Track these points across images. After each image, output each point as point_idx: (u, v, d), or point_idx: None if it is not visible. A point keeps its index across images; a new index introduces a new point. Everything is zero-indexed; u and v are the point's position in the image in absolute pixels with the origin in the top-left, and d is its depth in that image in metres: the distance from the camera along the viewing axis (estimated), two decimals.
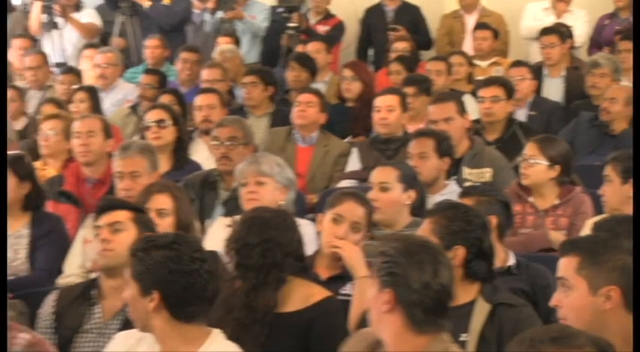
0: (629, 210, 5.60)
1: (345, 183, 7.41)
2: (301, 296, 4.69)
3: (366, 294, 3.78)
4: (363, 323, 4.34)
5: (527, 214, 6.45)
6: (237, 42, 10.98)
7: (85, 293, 4.76)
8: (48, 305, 4.81)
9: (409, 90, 8.49)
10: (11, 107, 9.04)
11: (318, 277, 5.03)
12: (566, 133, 8.18)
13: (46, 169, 7.45)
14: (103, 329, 4.66)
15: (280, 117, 8.70)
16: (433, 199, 6.28)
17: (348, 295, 4.94)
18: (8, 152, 6.51)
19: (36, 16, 11.40)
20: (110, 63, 10.08)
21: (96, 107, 8.90)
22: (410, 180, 6.00)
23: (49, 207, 6.49)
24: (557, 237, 6.15)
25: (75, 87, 9.40)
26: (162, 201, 5.50)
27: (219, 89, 8.88)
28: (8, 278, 5.65)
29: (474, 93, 8.65)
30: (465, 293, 4.44)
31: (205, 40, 11.43)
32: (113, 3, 11.68)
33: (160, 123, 7.50)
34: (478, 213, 4.67)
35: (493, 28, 10.97)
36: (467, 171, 7.19)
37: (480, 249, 4.49)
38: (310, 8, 11.81)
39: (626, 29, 10.42)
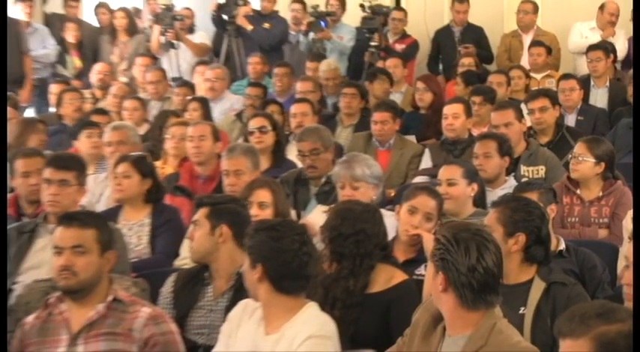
0: None
1: (418, 179, 7.39)
2: (384, 279, 4.67)
3: None
4: None
5: (575, 205, 6.43)
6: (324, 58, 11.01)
7: (199, 276, 4.78)
8: (168, 285, 4.84)
9: (476, 99, 8.46)
10: (135, 115, 9.13)
11: (397, 260, 5.01)
12: (610, 136, 8.10)
13: (165, 167, 7.51)
14: (213, 306, 4.68)
15: (362, 128, 8.66)
16: (495, 193, 6.28)
17: (422, 275, 4.91)
18: (133, 153, 6.58)
19: (156, 38, 11.49)
20: (218, 77, 10.12)
21: (207, 115, 8.94)
22: (472, 175, 6.03)
23: (167, 199, 6.53)
24: (603, 233, 6.24)
25: (189, 98, 9.45)
26: (262, 195, 5.53)
27: (311, 99, 8.91)
28: (132, 260, 5.73)
29: None
30: (525, 273, 4.45)
31: (300, 57, 11.47)
32: (221, 26, 11.76)
33: (261, 129, 7.54)
34: (537, 205, 4.67)
35: (547, 46, 10.86)
36: (524, 169, 7.16)
37: (538, 236, 4.47)
38: (389, 29, 11.77)
39: None
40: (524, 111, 7.92)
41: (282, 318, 4.03)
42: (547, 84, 10.21)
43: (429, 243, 5.01)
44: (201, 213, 4.79)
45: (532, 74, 10.47)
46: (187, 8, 12.10)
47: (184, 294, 4.74)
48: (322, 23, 11.40)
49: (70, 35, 11.80)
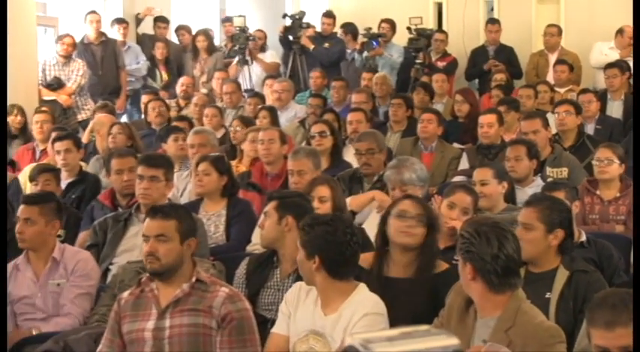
0: None
1: (457, 179, 7.35)
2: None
3: None
4: None
5: (595, 204, 6.38)
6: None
7: (268, 260, 4.78)
8: (241, 268, 4.84)
9: (502, 108, 8.43)
10: (213, 121, 9.15)
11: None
12: (624, 143, 8.00)
13: (239, 166, 7.53)
14: (280, 286, 4.67)
15: (409, 134, 8.65)
16: (524, 191, 6.25)
17: (457, 260, 4.87)
18: (212, 154, 6.60)
19: (233, 67, 11.63)
20: (285, 89, 10.12)
21: (275, 122, 8.94)
22: (502, 175, 5.99)
23: (241, 194, 6.53)
24: (620, 228, 6.18)
25: (259, 107, 9.46)
26: (322, 191, 5.52)
27: (364, 108, 8.89)
28: (210, 246, 5.75)
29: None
30: (551, 262, 4.40)
31: (355, 72, 11.47)
32: (288, 46, 11.81)
33: (321, 133, 7.52)
34: (566, 203, 4.67)
35: (570, 63, 10.76)
36: (549, 170, 7.10)
37: (570, 230, 4.45)
38: (432, 49, 11.75)
39: None
40: (550, 120, 7.87)
41: (337, 300, 4.03)
42: (569, 97, 10.12)
43: None
44: (270, 206, 4.77)
45: (556, 88, 10.39)
46: (260, 30, 12.13)
47: (256, 275, 4.74)
48: (374, 43, 11.39)
49: (159, 53, 11.88)
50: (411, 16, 11.75)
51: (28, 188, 7.08)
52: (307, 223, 4.12)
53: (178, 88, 10.93)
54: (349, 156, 7.65)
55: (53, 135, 8.07)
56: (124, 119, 10.78)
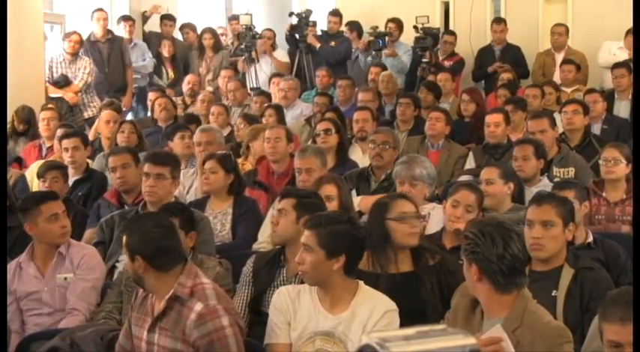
0: None
1: (463, 178, 7.33)
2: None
3: None
4: None
5: (601, 205, 6.36)
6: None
7: (276, 258, 4.74)
8: (248, 265, 4.79)
9: (509, 107, 8.41)
10: (220, 119, 9.14)
11: (445, 247, 4.97)
12: (632, 143, 8.00)
13: (245, 164, 7.52)
14: (286, 284, 4.65)
15: (416, 132, 8.65)
16: (531, 190, 6.22)
17: None
18: (219, 152, 6.60)
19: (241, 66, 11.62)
20: (291, 88, 10.11)
21: (281, 120, 8.94)
22: (508, 175, 5.99)
23: (247, 192, 6.53)
24: (626, 228, 6.16)
25: (265, 105, 9.46)
26: (329, 189, 5.49)
27: (371, 107, 8.88)
28: (216, 244, 5.74)
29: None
30: (559, 259, 4.39)
31: (359, 71, 11.45)
32: (294, 44, 11.80)
33: (327, 132, 7.52)
34: (567, 197, 4.71)
35: (576, 63, 10.72)
36: (556, 170, 7.09)
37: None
38: (439, 48, 11.74)
39: None
40: (559, 120, 7.86)
41: (346, 298, 3.98)
42: (576, 97, 10.09)
43: None
44: (288, 203, 4.68)
45: (563, 88, 10.37)
46: (269, 29, 12.13)
47: (263, 274, 4.70)
48: (380, 42, 11.38)
49: (165, 50, 11.89)
50: (417, 14, 11.73)
51: (36, 185, 7.10)
52: (322, 222, 3.96)
53: (185, 86, 10.93)
54: (355, 155, 7.65)
55: (59, 132, 8.08)
56: (129, 117, 10.79)
